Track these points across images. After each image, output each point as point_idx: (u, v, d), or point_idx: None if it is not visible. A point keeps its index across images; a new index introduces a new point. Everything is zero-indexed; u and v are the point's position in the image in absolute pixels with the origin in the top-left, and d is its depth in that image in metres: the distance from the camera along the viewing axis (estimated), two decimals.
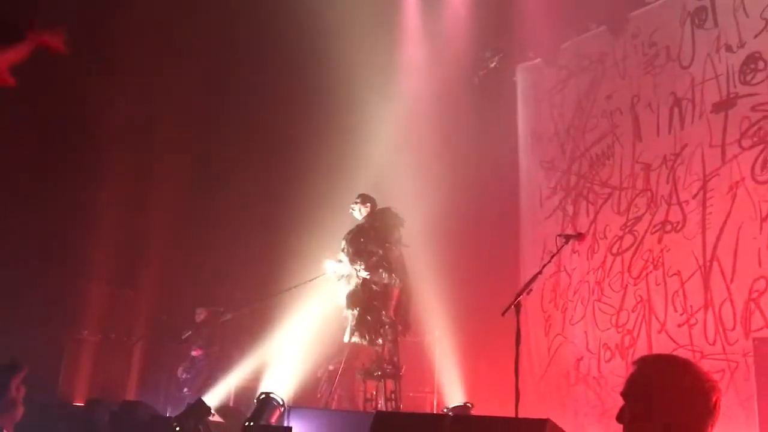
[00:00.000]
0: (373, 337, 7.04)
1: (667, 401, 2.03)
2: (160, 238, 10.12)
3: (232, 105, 10.33)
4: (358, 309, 7.13)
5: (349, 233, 7.48)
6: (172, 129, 9.97)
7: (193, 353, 9.53)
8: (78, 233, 9.46)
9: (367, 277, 7.17)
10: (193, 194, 10.33)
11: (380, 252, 7.21)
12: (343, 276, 7.30)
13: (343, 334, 7.26)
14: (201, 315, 9.78)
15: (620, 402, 2.14)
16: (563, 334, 8.67)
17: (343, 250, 7.37)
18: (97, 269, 9.66)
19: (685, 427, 2.02)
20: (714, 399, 2.05)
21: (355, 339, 7.12)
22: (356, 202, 7.54)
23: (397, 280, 7.18)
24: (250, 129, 10.49)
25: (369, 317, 7.08)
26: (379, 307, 7.10)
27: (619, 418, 2.12)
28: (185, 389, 9.25)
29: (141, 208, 10.12)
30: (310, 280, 7.62)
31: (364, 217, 7.50)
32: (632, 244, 8.04)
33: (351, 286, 7.28)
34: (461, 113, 9.46)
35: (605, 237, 8.38)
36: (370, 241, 7.28)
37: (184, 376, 9.42)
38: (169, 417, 6.69)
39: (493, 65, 10.03)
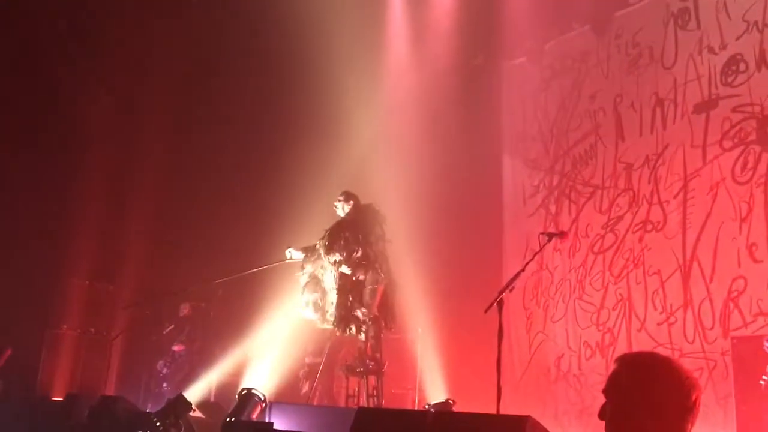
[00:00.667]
0: (360, 327, 7.03)
1: (648, 398, 2.05)
2: (139, 233, 10.05)
3: (211, 97, 10.25)
4: (336, 297, 7.14)
5: (330, 228, 7.48)
6: (150, 124, 9.91)
7: (175, 348, 9.47)
8: (57, 228, 9.37)
9: (349, 273, 7.18)
10: (172, 189, 10.25)
11: (361, 249, 7.21)
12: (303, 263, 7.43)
13: (314, 321, 7.34)
14: (184, 310, 9.71)
15: (600, 399, 2.15)
16: (544, 332, 8.72)
17: (322, 239, 7.36)
18: (76, 264, 9.57)
19: (665, 424, 2.04)
20: (694, 396, 2.06)
21: (340, 331, 7.13)
22: (339, 200, 7.55)
23: (382, 277, 7.19)
24: (229, 122, 10.43)
25: (352, 311, 7.08)
26: (361, 303, 7.10)
27: (601, 415, 2.13)
28: (164, 384, 9.19)
29: (120, 202, 10.04)
30: (273, 264, 7.86)
31: (347, 214, 7.51)
32: (613, 243, 8.10)
33: (321, 273, 7.33)
34: (446, 111, 9.45)
35: (587, 236, 8.44)
36: (351, 238, 7.28)
37: (164, 371, 9.35)
38: (149, 412, 6.64)
39: (477, 64, 10.04)
